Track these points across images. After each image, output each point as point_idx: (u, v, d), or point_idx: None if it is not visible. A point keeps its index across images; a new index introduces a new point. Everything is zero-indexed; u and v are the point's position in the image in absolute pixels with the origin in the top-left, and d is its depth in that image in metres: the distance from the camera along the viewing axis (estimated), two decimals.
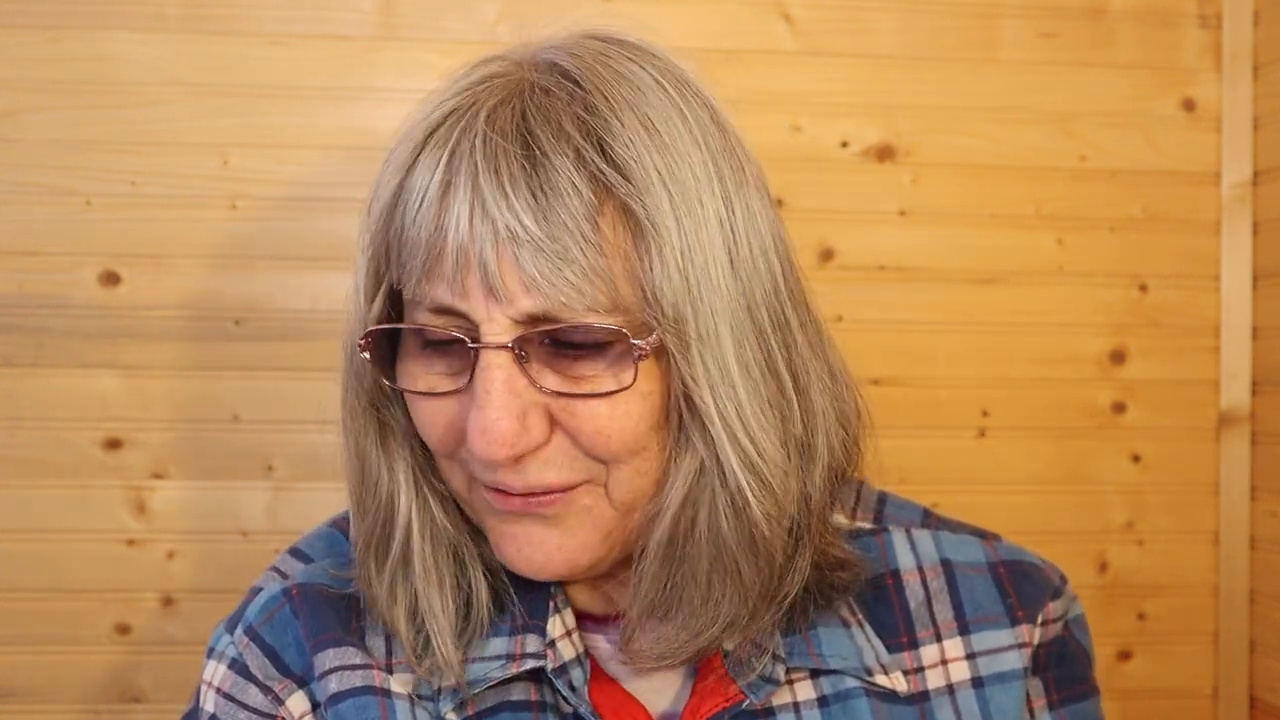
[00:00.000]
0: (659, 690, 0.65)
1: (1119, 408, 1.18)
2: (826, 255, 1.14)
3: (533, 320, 0.55)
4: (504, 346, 0.55)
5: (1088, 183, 1.17)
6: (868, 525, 0.70)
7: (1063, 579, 0.71)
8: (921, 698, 0.65)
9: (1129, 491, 1.18)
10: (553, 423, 0.57)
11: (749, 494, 0.58)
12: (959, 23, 1.15)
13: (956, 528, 0.72)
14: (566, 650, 0.63)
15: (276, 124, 1.09)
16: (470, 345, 0.55)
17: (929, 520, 0.73)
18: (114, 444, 1.09)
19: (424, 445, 0.62)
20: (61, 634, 1.09)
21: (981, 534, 0.72)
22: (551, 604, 0.64)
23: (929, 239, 1.15)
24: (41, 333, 1.08)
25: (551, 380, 0.56)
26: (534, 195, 0.54)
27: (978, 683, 0.66)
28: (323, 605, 0.65)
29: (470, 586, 0.63)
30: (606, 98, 0.57)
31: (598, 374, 0.57)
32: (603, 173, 0.55)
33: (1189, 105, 1.18)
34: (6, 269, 1.07)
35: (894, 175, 1.15)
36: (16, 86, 1.07)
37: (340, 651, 0.63)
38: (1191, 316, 1.18)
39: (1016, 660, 0.67)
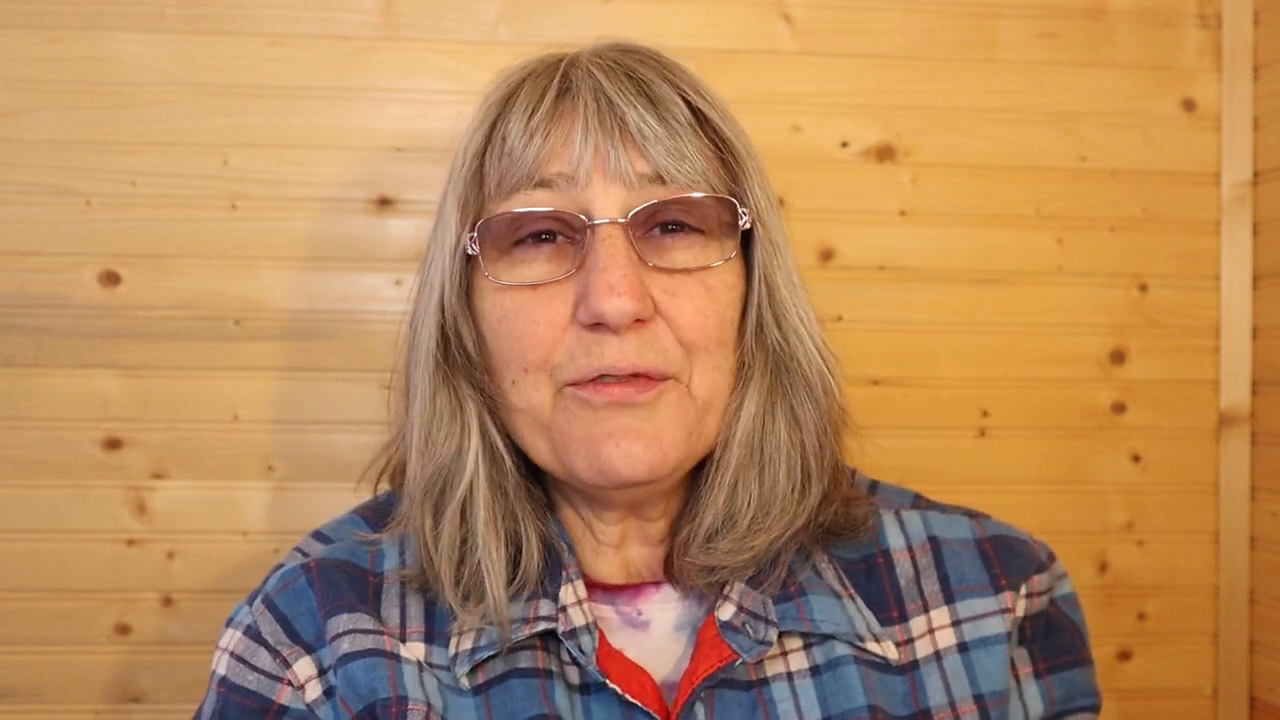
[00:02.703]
0: (662, 659, 0.69)
1: (1119, 408, 1.18)
2: (826, 255, 1.14)
3: (645, 195, 0.64)
4: (619, 222, 0.63)
5: (1088, 183, 1.17)
6: None
7: (1050, 556, 0.75)
8: (911, 667, 0.69)
9: (1129, 491, 1.18)
10: (655, 308, 0.65)
11: (825, 382, 0.69)
12: (959, 23, 1.15)
13: (946, 509, 0.76)
14: (577, 617, 0.66)
15: (276, 124, 1.09)
16: (589, 223, 0.62)
17: (918, 503, 0.77)
18: (114, 444, 1.09)
19: (484, 393, 0.68)
20: (61, 634, 1.09)
21: (970, 513, 0.76)
22: (565, 574, 0.68)
23: (929, 239, 1.15)
24: (41, 333, 1.08)
25: (662, 261, 0.65)
26: (652, 104, 0.64)
27: (963, 648, 0.70)
28: (339, 578, 0.69)
29: (520, 539, 0.68)
30: (673, 66, 0.68)
31: (694, 257, 0.66)
32: (695, 107, 0.66)
33: (1189, 105, 1.17)
34: (6, 269, 1.07)
35: (894, 175, 1.15)
36: (16, 86, 1.07)
37: (353, 617, 0.66)
38: (1191, 316, 1.18)
39: (999, 625, 0.70)
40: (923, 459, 1.15)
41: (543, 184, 0.64)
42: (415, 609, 0.69)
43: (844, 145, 1.15)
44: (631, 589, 0.71)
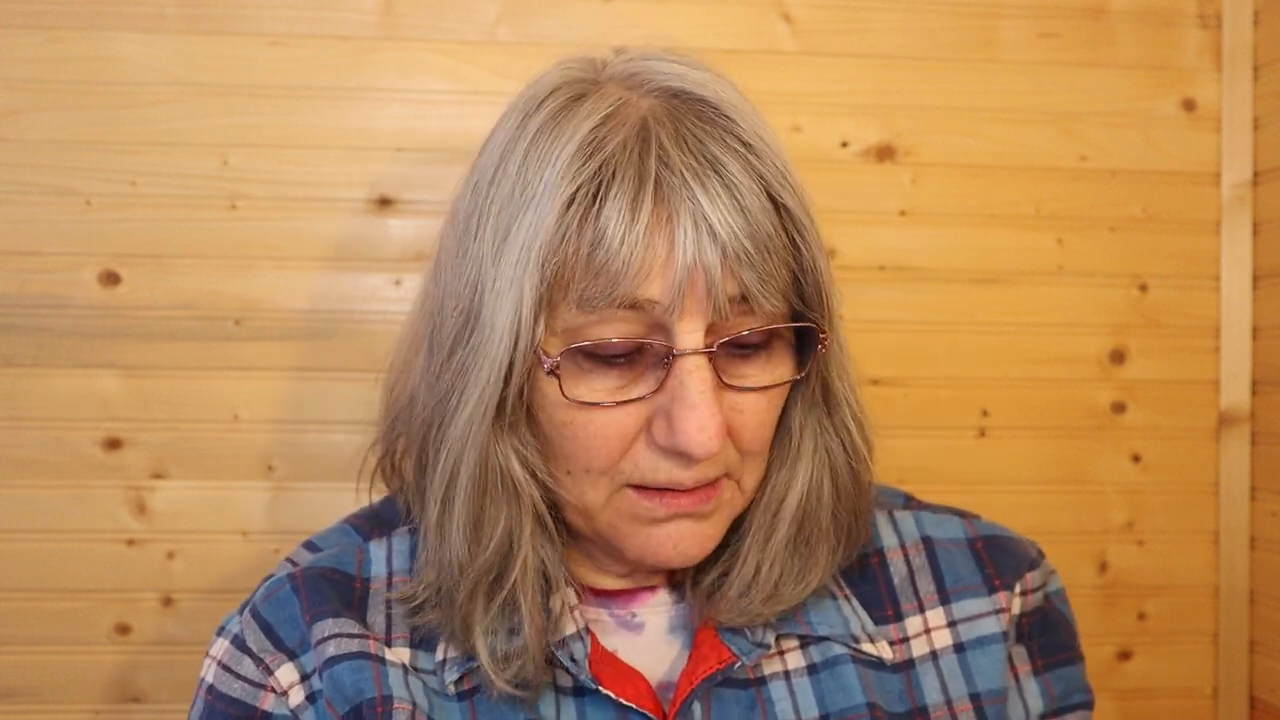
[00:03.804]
0: (657, 660, 0.69)
1: (1119, 408, 1.18)
2: (827, 255, 1.14)
3: (732, 320, 0.62)
4: (706, 351, 0.61)
5: (1088, 183, 1.17)
6: None
7: (1039, 552, 0.75)
8: (907, 665, 0.70)
9: (1129, 491, 1.18)
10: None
11: (865, 465, 0.69)
12: (959, 23, 1.15)
13: (937, 509, 0.77)
14: (567, 625, 0.66)
15: (276, 124, 1.09)
16: (676, 352, 0.61)
17: (910, 503, 0.78)
18: (114, 444, 1.09)
19: (536, 474, 0.65)
20: (61, 634, 1.09)
21: (960, 513, 0.77)
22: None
23: (929, 239, 1.15)
24: (41, 333, 1.08)
25: (732, 379, 0.63)
26: (743, 215, 0.61)
27: (959, 648, 0.70)
28: (324, 585, 0.69)
29: (549, 583, 0.67)
30: (741, 118, 0.64)
31: (758, 370, 0.64)
32: (770, 188, 0.63)
33: (1189, 105, 1.17)
34: (6, 269, 1.07)
35: (894, 175, 1.15)
36: (16, 86, 1.07)
37: (338, 621, 0.67)
38: (1191, 316, 1.18)
39: (995, 625, 0.71)
40: (923, 459, 1.15)
41: (634, 307, 0.60)
42: (400, 615, 0.69)
43: (844, 145, 1.15)
44: (627, 594, 0.71)
